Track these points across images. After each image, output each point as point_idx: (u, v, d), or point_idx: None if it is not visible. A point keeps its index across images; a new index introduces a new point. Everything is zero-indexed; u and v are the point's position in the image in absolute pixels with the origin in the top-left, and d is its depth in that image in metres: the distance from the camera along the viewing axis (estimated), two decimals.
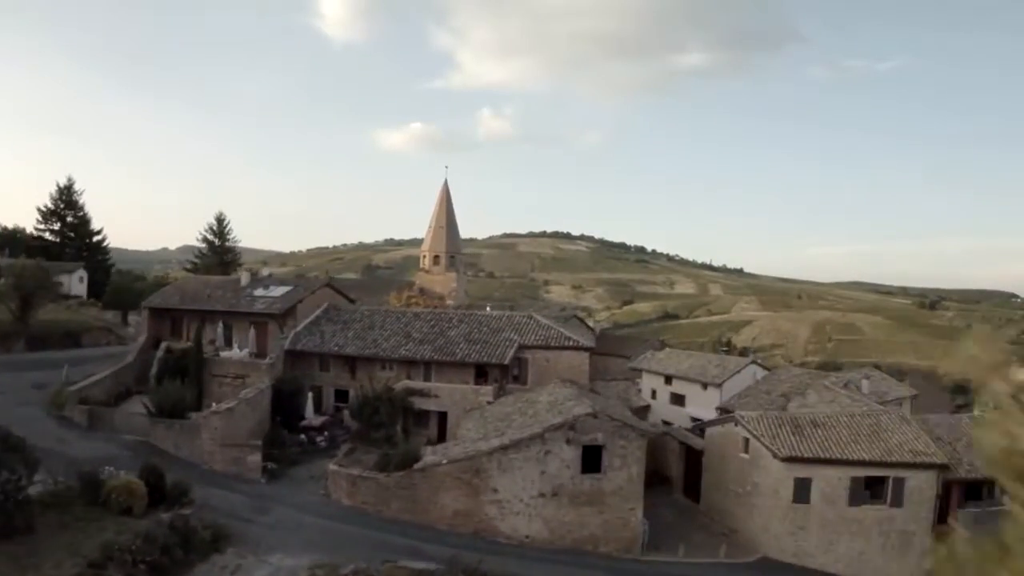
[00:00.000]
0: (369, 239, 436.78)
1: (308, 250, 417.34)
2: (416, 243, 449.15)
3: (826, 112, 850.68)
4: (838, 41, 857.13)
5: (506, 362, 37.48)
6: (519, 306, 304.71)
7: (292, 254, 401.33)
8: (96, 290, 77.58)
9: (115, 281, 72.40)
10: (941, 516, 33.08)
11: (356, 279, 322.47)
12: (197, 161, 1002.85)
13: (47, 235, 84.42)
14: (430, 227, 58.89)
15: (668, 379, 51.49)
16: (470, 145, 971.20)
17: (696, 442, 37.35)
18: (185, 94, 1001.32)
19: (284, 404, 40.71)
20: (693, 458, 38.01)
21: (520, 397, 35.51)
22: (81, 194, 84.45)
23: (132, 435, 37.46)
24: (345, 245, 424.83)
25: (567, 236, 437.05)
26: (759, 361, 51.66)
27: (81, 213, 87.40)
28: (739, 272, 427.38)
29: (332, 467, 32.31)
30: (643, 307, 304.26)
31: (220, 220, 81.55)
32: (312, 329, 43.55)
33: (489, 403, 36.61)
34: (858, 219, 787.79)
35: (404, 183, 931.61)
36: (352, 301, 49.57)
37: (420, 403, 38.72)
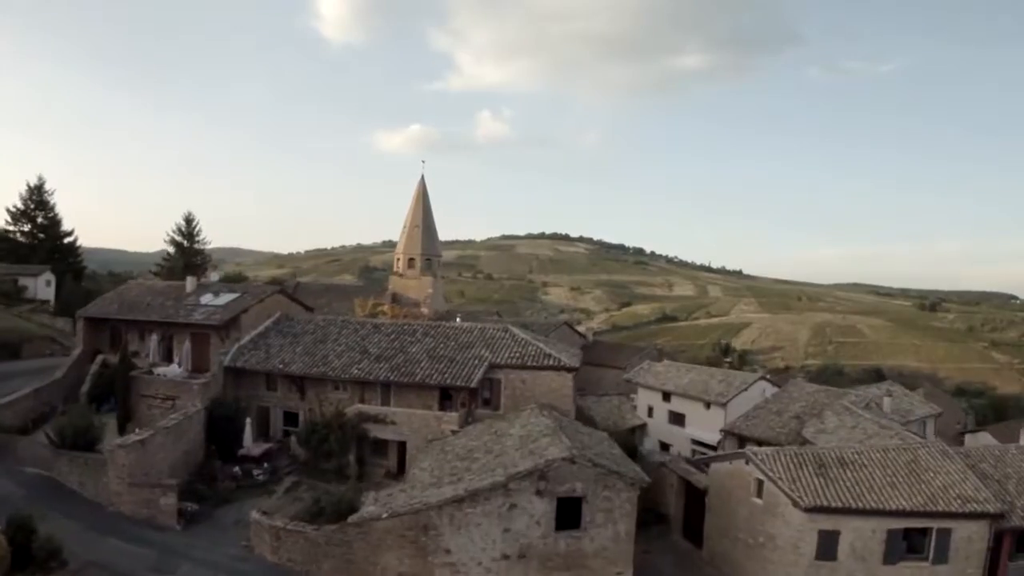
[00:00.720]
0: (368, 240, 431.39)
1: (306, 252, 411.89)
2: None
3: (825, 114, 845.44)
4: (838, 43, 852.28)
5: (473, 385, 31.41)
6: (516, 308, 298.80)
7: (290, 256, 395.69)
8: (66, 295, 71.83)
9: (68, 285, 66.35)
10: (991, 572, 27.15)
11: (353, 281, 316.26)
12: (195, 162, 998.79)
13: (17, 236, 78.71)
14: (405, 227, 52.76)
15: (666, 396, 45.45)
16: (469, 147, 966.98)
17: (698, 479, 31.27)
18: (182, 95, 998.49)
19: (220, 430, 34.66)
20: (694, 495, 31.96)
21: (489, 427, 29.44)
22: (52, 194, 78.55)
23: (36, 469, 31.50)
24: (344, 247, 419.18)
25: (565, 238, 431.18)
26: (768, 377, 45.57)
27: (52, 214, 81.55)
28: (738, 274, 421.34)
29: (255, 515, 26.26)
30: (642, 309, 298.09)
31: (188, 220, 75.68)
32: (258, 343, 37.51)
33: (453, 432, 30.58)
34: (857, 220, 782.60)
35: (403, 185, 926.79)
36: (310, 310, 43.56)
37: (376, 431, 32.70)
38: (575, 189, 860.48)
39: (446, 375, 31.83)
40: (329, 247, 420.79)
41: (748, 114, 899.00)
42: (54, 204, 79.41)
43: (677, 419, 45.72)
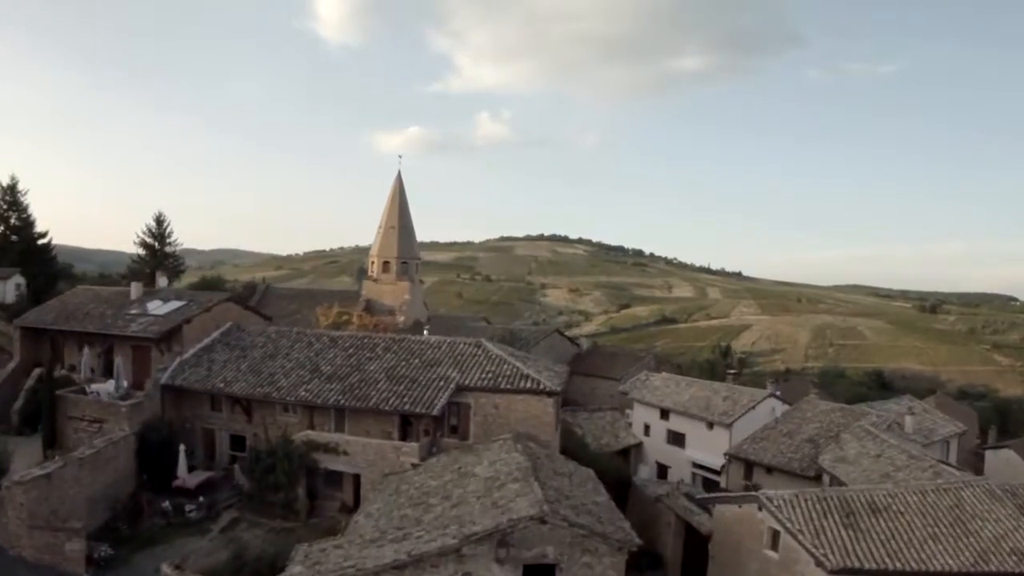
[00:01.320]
0: (366, 242, 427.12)
1: (305, 253, 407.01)
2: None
3: (825, 115, 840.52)
4: (838, 44, 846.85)
5: (435, 412, 26.65)
6: (514, 310, 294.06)
7: (288, 257, 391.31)
8: (38, 299, 67.25)
9: (35, 288, 61.60)
10: None
11: (350, 283, 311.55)
12: (194, 164, 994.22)
13: None
14: (380, 227, 47.90)
15: (665, 413, 40.71)
16: (468, 148, 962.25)
17: (701, 521, 26.52)
18: (181, 96, 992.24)
19: (153, 458, 29.99)
20: (696, 538, 27.25)
21: (454, 461, 24.71)
22: (25, 194, 73.74)
23: None
24: (343, 248, 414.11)
25: (564, 239, 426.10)
26: (778, 394, 40.71)
27: (25, 215, 76.90)
28: (738, 275, 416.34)
29: (165, 569, 21.60)
30: (641, 311, 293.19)
31: (159, 221, 70.95)
32: (201, 358, 32.81)
33: (414, 466, 25.86)
34: (857, 222, 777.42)
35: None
36: (268, 319, 38.83)
37: (326, 461, 27.99)
38: (574, 190, 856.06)
39: (405, 399, 27.07)
40: (328, 248, 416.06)
41: (748, 115, 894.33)
42: (27, 205, 74.81)
43: (676, 439, 40.94)
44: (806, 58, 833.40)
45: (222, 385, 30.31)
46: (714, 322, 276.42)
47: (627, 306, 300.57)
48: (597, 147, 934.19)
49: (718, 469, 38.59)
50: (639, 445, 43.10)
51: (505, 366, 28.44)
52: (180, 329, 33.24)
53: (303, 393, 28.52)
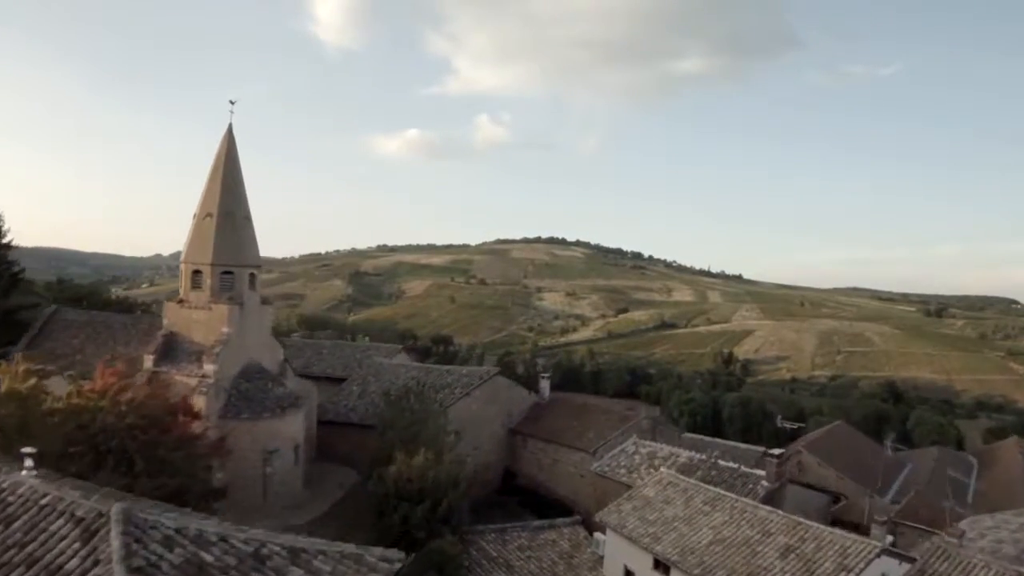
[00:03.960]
0: (363, 245, 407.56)
1: (300, 256, 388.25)
2: (411, 250, 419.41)
3: (825, 117, 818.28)
4: (838, 46, 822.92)
5: None
6: (509, 315, 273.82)
7: (282, 260, 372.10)
8: None
9: None
10: None
11: (341, 287, 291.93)
12: (192, 166, 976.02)
13: None
14: (195, 217, 27.82)
15: (665, 568, 20.63)
16: (467, 151, 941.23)
17: None
18: (179, 98, 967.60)
19: None
20: None
21: None
22: None
23: None
24: (338, 251, 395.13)
25: (562, 242, 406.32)
26: (894, 547, 20.55)
27: None
28: (738, 278, 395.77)
29: None
30: (639, 315, 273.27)
31: None
32: None
33: None
34: (856, 224, 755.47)
35: (401, 189, 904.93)
36: None
37: None
38: (573, 193, 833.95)
39: None
40: (324, 252, 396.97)
41: (747, 118, 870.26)
42: None
43: None
44: (806, 60, 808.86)
45: None
46: (715, 327, 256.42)
47: (625, 310, 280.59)
48: (597, 149, 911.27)
49: None
50: None
51: None
52: None
53: None
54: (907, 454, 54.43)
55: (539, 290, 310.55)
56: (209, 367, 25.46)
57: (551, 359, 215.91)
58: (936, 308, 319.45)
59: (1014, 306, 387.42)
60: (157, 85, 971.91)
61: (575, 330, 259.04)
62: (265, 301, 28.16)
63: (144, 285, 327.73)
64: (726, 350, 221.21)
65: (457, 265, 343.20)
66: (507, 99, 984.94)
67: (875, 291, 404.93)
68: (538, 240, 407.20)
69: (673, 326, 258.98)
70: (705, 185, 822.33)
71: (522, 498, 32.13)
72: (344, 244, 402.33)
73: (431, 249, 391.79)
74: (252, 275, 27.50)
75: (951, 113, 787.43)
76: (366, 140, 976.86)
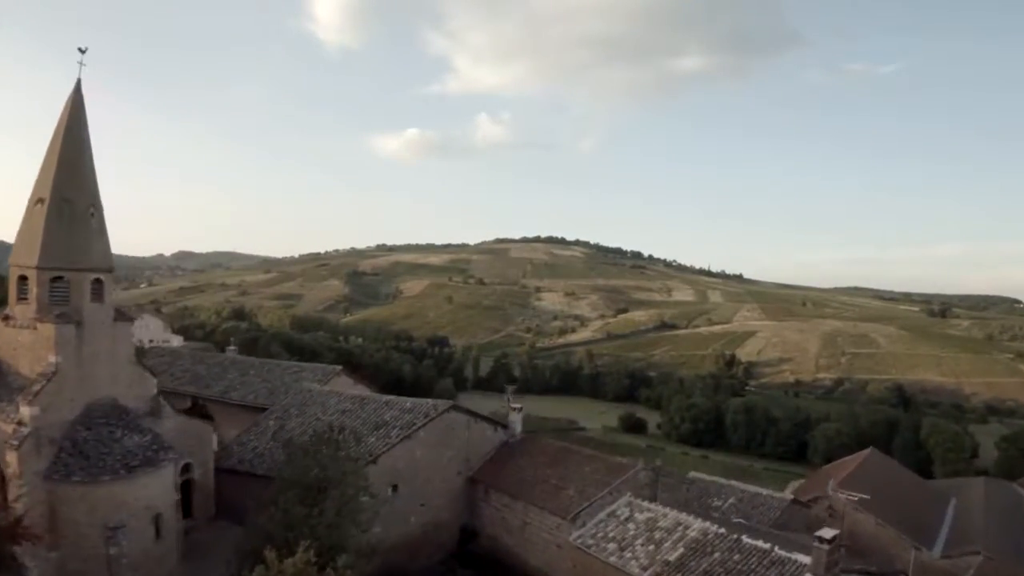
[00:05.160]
0: (362, 245, 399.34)
1: (300, 256, 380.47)
2: (410, 249, 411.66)
3: (825, 115, 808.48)
4: (839, 44, 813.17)
5: None
6: (506, 315, 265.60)
7: (280, 260, 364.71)
8: None
9: None
10: None
11: (336, 288, 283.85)
12: (191, 166, 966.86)
13: None
14: (29, 204, 20.09)
15: None
16: (467, 150, 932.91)
17: None
18: (178, 98, 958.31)
19: None
20: None
21: None
22: None
23: None
24: (337, 251, 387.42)
25: (561, 241, 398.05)
26: None
27: None
28: (739, 278, 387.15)
29: None
30: (639, 315, 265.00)
31: None
32: None
33: None
34: (856, 223, 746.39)
35: (401, 189, 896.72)
36: None
37: None
38: (573, 192, 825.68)
39: None
40: (323, 251, 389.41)
41: (748, 116, 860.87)
42: None
43: None
44: (806, 58, 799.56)
45: None
46: (716, 328, 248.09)
47: (625, 310, 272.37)
48: (596, 148, 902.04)
49: None
50: None
51: None
52: None
53: None
54: (948, 485, 46.40)
55: (538, 290, 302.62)
56: (26, 411, 17.62)
57: (549, 360, 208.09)
58: (940, 308, 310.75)
59: (1017, 305, 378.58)
60: (157, 84, 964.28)
61: (574, 331, 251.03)
62: (123, 316, 20.19)
63: (143, 285, 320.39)
64: (728, 352, 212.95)
65: (456, 265, 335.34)
66: (507, 98, 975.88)
67: (876, 291, 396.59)
68: (537, 239, 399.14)
69: (674, 327, 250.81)
70: (705, 184, 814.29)
71: (480, 572, 24.19)
72: (344, 244, 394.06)
73: (430, 249, 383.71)
74: (98, 282, 19.51)
75: (952, 111, 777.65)
76: (366, 139, 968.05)
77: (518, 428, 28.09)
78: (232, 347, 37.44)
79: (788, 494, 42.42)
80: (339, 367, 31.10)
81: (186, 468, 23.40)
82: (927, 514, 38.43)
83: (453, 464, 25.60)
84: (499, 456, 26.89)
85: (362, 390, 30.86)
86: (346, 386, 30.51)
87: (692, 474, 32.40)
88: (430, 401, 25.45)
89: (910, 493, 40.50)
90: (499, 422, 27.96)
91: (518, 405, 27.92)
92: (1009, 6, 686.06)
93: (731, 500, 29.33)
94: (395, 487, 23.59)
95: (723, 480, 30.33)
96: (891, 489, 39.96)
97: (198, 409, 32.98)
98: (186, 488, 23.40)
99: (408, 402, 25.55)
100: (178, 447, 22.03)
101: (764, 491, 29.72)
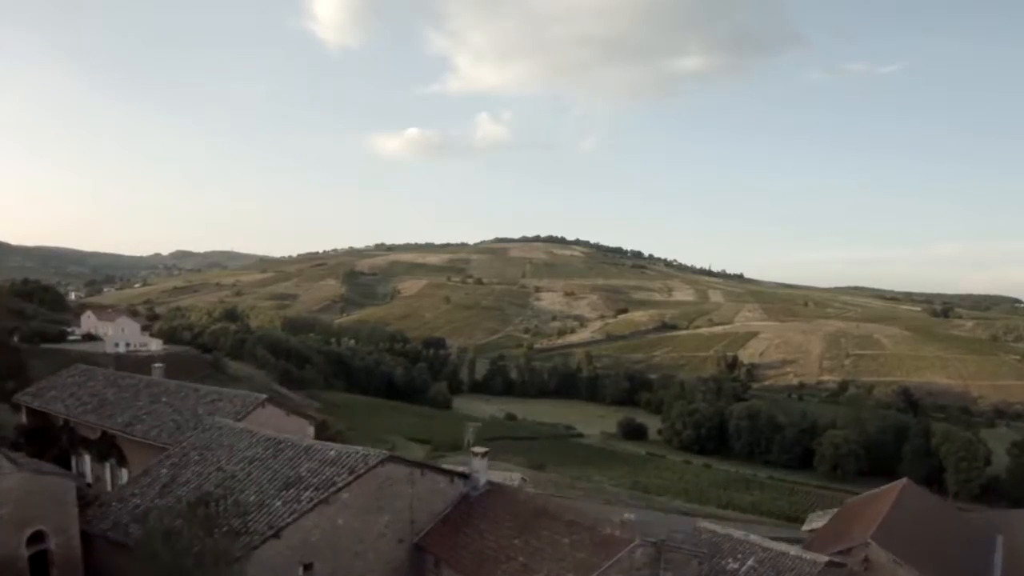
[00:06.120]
0: (361, 244, 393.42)
1: (298, 255, 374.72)
2: (409, 248, 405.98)
3: (826, 116, 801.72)
4: (839, 44, 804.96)
5: None
6: (505, 315, 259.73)
7: (278, 260, 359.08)
8: None
9: None
10: None
11: (335, 286, 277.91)
12: (191, 166, 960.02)
13: None
14: None
15: None
16: (467, 150, 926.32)
17: None
18: (177, 98, 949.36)
19: None
20: None
21: None
22: None
23: None
24: (336, 250, 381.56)
25: (561, 240, 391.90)
26: None
27: None
28: (739, 278, 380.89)
29: None
30: (639, 316, 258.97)
31: None
32: None
33: None
34: (857, 223, 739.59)
35: (400, 188, 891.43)
36: None
37: None
38: (573, 192, 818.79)
39: None
40: (321, 251, 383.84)
41: (748, 116, 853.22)
42: None
43: None
44: (806, 58, 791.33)
45: None
46: (717, 328, 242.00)
47: (625, 310, 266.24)
48: (597, 148, 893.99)
49: None
50: None
51: None
52: None
53: None
54: (989, 520, 40.25)
55: (537, 290, 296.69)
56: None
57: (547, 362, 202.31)
58: (942, 308, 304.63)
59: (1018, 305, 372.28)
60: (157, 84, 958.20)
61: (573, 331, 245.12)
62: None
63: (137, 285, 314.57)
64: (730, 354, 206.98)
65: (454, 264, 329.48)
66: (507, 98, 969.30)
67: (877, 290, 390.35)
68: (537, 239, 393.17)
69: (674, 327, 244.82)
70: (705, 184, 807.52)
71: None
72: (342, 243, 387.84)
73: (429, 248, 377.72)
74: None
75: (951, 111, 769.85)
76: (366, 139, 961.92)
77: (482, 479, 21.86)
78: (159, 365, 31.39)
79: (808, 530, 36.45)
80: (263, 396, 25.08)
81: (37, 537, 17.62)
82: (973, 558, 32.42)
83: (392, 530, 19.49)
84: (455, 516, 20.73)
85: (294, 423, 24.90)
86: (275, 418, 24.51)
87: (701, 523, 26.30)
88: (360, 450, 19.38)
89: (952, 534, 34.52)
90: (455, 472, 21.81)
91: (483, 449, 21.83)
92: (1009, 6, 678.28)
93: (750, 562, 23.26)
94: (307, 566, 17.53)
95: (739, 534, 24.20)
96: (928, 526, 33.94)
97: (107, 444, 27.05)
98: (41, 562, 17.64)
99: (332, 450, 19.50)
100: (22, 511, 16.25)
101: (792, 551, 23.61)
